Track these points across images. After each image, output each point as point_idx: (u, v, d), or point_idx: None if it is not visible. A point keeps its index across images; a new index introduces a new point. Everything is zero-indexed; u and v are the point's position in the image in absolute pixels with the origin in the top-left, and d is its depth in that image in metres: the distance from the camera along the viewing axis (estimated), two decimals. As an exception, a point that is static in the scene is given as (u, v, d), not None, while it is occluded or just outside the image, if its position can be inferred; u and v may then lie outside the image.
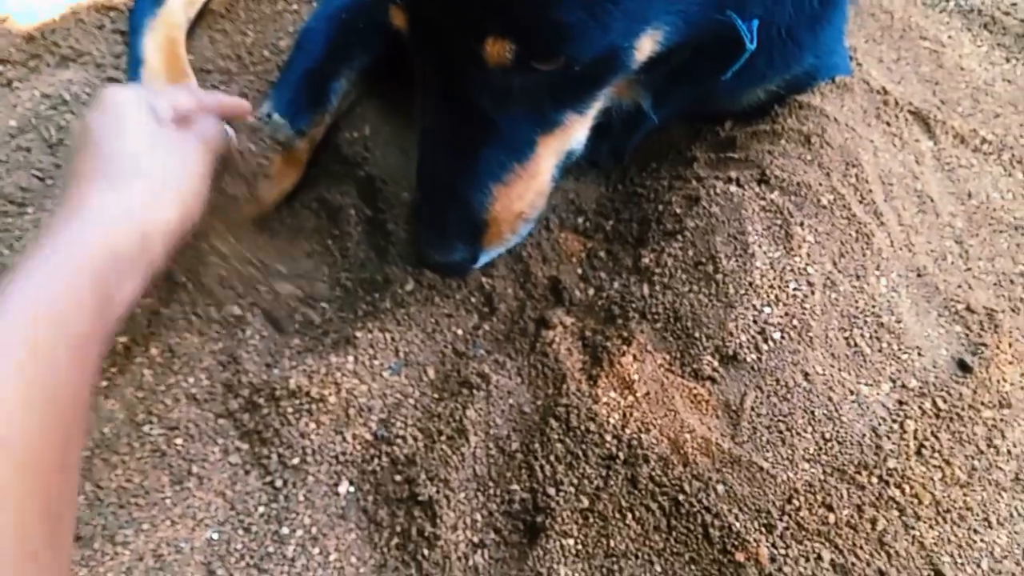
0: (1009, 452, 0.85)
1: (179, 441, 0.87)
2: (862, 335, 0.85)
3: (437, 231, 0.82)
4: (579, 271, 1.04)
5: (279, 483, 0.83)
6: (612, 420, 0.81)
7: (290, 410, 0.87)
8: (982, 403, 0.85)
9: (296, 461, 0.84)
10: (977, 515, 0.80)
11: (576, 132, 0.86)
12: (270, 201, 1.04)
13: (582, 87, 0.79)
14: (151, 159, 0.78)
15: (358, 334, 0.91)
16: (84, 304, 0.68)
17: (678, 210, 0.98)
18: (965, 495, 0.80)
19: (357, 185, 1.10)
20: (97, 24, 1.28)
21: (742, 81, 0.98)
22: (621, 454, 0.78)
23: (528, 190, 0.83)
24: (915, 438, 0.80)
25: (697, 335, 0.84)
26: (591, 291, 0.99)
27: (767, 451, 0.77)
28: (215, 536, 0.81)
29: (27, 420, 0.61)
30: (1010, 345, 0.91)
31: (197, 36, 1.30)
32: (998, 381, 0.88)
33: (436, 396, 0.88)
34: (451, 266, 0.86)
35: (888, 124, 1.06)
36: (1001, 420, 0.86)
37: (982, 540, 0.79)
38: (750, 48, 0.85)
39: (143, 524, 0.82)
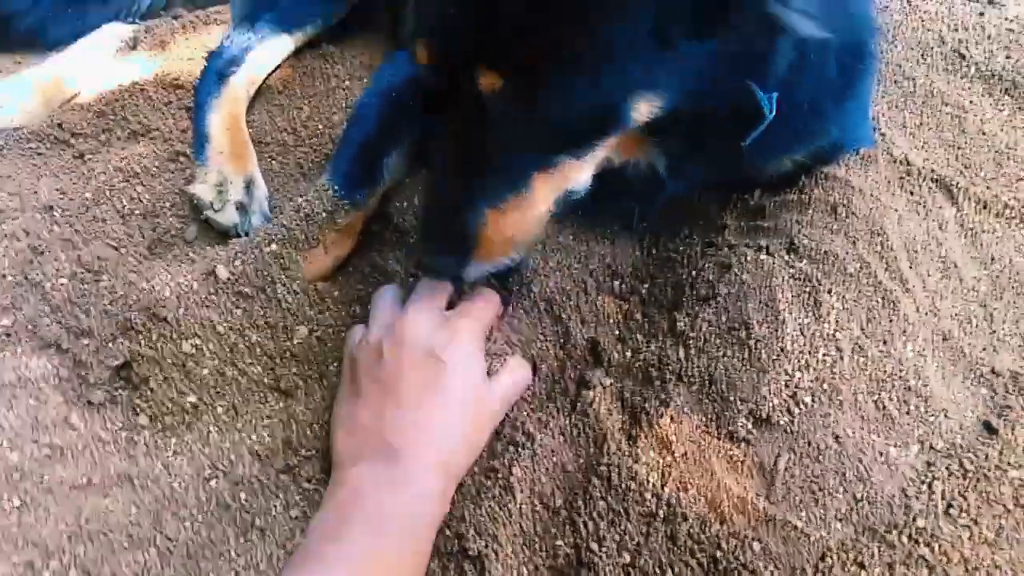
0: (1037, 511, 0.87)
1: (243, 495, 0.93)
2: (890, 398, 0.89)
3: (433, 242, 0.92)
4: (616, 333, 1.09)
5: (337, 537, 0.89)
6: (652, 479, 0.85)
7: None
8: (1008, 463, 0.88)
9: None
10: (1005, 573, 0.82)
11: (575, 175, 0.90)
12: (325, 270, 1.11)
13: (577, 135, 0.85)
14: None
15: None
16: None
17: (711, 276, 1.03)
18: (993, 554, 0.83)
19: (407, 251, 1.17)
20: (164, 101, 1.38)
21: (767, 151, 1.04)
22: (661, 512, 0.83)
23: (521, 219, 0.89)
24: (943, 498, 0.83)
25: (732, 398, 0.88)
26: (629, 353, 1.04)
27: (800, 511, 0.81)
28: (278, 587, 0.86)
29: None
30: (1036, 407, 0.94)
31: (256, 111, 1.40)
32: (1023, 442, 0.91)
33: (484, 453, 0.93)
34: (443, 271, 0.95)
35: (911, 192, 1.11)
36: (1028, 480, 0.88)
37: (1012, 599, 0.81)
38: (768, 118, 0.89)
39: (210, 574, 0.87)
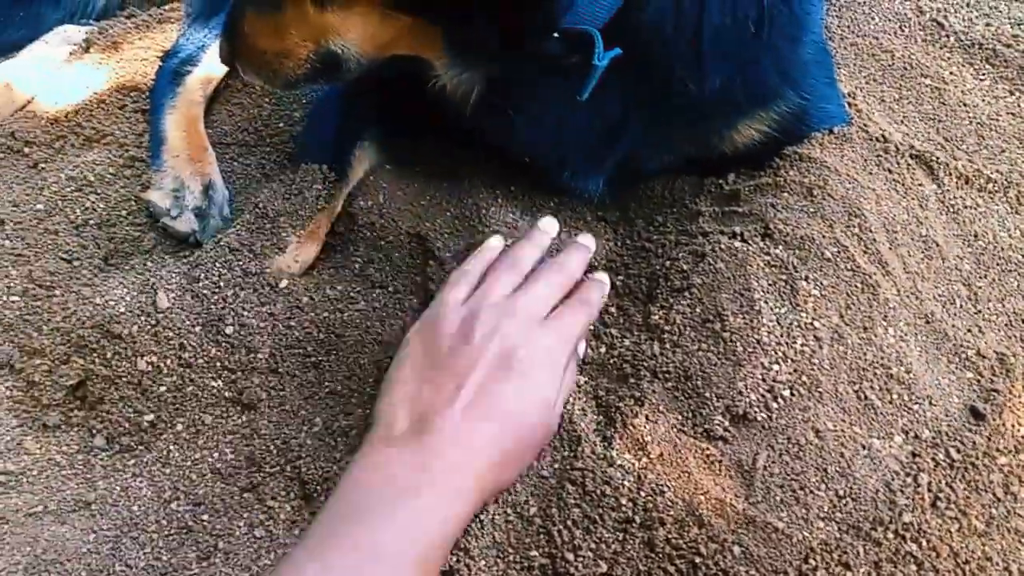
0: (1028, 498, 0.85)
1: (205, 517, 0.90)
2: (872, 387, 0.86)
3: (224, 24, 0.97)
4: (591, 328, 1.06)
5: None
6: (627, 483, 0.82)
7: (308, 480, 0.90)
8: (997, 450, 0.85)
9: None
10: (997, 564, 0.79)
11: (333, 26, 0.88)
12: (291, 274, 1.07)
13: None
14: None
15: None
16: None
17: (685, 266, 0.99)
18: (984, 545, 0.80)
19: (373, 250, 1.13)
20: (119, 104, 1.34)
21: (716, 110, 1.02)
22: (637, 517, 0.79)
23: (272, 38, 0.91)
24: (930, 490, 0.80)
25: (708, 395, 0.85)
26: (603, 349, 1.00)
27: (781, 511, 0.78)
28: (243, 611, 0.83)
29: None
30: (1024, 388, 0.91)
31: (215, 111, 1.35)
32: (1012, 426, 0.88)
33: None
34: (222, 53, 0.98)
35: (890, 171, 1.07)
36: (1018, 466, 0.85)
37: (1004, 590, 0.78)
38: (600, 65, 0.87)
39: (173, 601, 0.84)
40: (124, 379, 0.95)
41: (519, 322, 0.84)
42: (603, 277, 1.00)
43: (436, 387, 0.79)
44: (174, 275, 1.01)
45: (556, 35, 0.85)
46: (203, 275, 1.02)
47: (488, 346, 0.82)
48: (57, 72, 1.40)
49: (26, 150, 1.29)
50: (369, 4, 0.86)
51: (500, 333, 0.83)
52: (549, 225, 1.01)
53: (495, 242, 0.99)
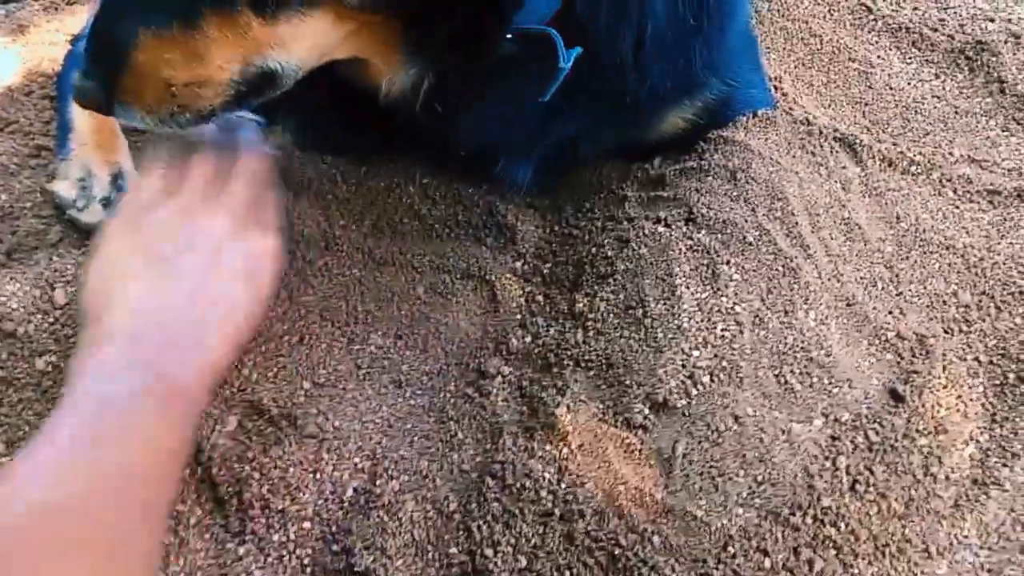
0: (947, 478, 0.85)
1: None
2: (792, 371, 0.85)
3: (88, 55, 0.79)
4: (518, 317, 1.04)
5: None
6: (547, 475, 0.80)
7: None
8: (916, 431, 0.85)
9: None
10: (917, 547, 0.80)
11: (267, 43, 0.77)
12: None
13: None
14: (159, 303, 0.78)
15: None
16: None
17: (610, 252, 0.98)
18: (904, 527, 0.80)
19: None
20: (25, 91, 1.27)
21: (648, 105, 1.00)
22: (557, 510, 0.78)
23: (185, 66, 0.75)
24: (848, 473, 0.80)
25: (628, 382, 0.84)
26: (528, 338, 0.98)
27: (700, 499, 0.77)
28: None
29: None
30: (944, 368, 0.92)
31: (127, 97, 1.29)
32: (932, 407, 0.88)
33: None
34: (86, 96, 0.79)
35: (813, 154, 1.07)
36: (937, 447, 0.86)
37: (923, 572, 0.79)
38: (564, 68, 0.85)
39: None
40: (22, 380, 0.90)
41: (234, 225, 0.84)
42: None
43: (156, 290, 0.79)
44: (72, 268, 0.95)
45: (509, 36, 0.81)
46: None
47: (211, 254, 0.81)
48: (-42, 57, 1.33)
49: (-73, 140, 1.21)
50: (332, 5, 0.77)
51: (217, 238, 0.82)
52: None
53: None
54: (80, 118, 1.19)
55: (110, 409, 0.69)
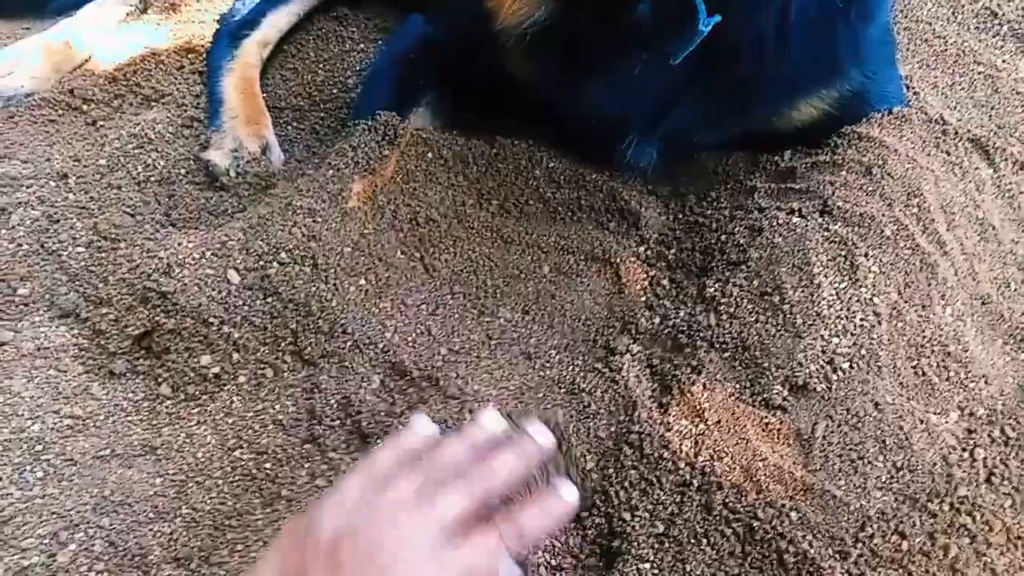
0: (1079, 479, 0.85)
1: (268, 465, 0.92)
2: (929, 364, 0.87)
3: None
4: (643, 299, 1.07)
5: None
6: (684, 448, 0.83)
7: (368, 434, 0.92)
8: (1051, 430, 0.86)
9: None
10: (1049, 542, 0.80)
11: None
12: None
13: None
14: None
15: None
16: None
17: (741, 240, 1.00)
18: (1036, 522, 0.81)
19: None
20: (177, 65, 1.35)
21: (784, 87, 1.01)
22: (695, 481, 0.81)
23: None
24: (985, 466, 0.81)
25: (766, 365, 0.86)
26: (657, 320, 1.02)
27: (839, 479, 0.79)
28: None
29: None
30: (1077, 372, 0.92)
31: (270, 75, 1.37)
32: (1066, 408, 0.88)
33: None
34: None
35: (948, 153, 1.07)
36: (1071, 447, 0.86)
37: (1054, 567, 0.79)
38: (703, 30, 0.85)
39: (237, 545, 0.86)
40: (189, 331, 0.97)
41: (415, 543, 0.63)
42: (569, 492, 0.71)
43: None
44: (238, 248, 1.01)
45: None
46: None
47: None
48: (115, 32, 1.42)
49: (84, 107, 1.30)
50: None
51: (375, 556, 0.62)
52: (490, 419, 0.75)
53: (422, 427, 0.75)
54: (230, 93, 1.27)
55: None
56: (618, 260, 1.12)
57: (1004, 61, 1.40)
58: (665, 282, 1.08)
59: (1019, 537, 0.79)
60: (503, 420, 0.75)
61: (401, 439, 0.73)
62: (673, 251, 1.11)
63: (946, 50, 1.40)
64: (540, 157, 1.20)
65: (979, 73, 1.36)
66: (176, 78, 1.33)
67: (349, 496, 0.67)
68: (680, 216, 1.16)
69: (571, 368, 1.00)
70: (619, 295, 1.09)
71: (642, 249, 1.14)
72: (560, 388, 0.98)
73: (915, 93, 1.17)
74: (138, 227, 1.10)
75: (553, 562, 0.83)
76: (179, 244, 1.01)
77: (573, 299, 1.10)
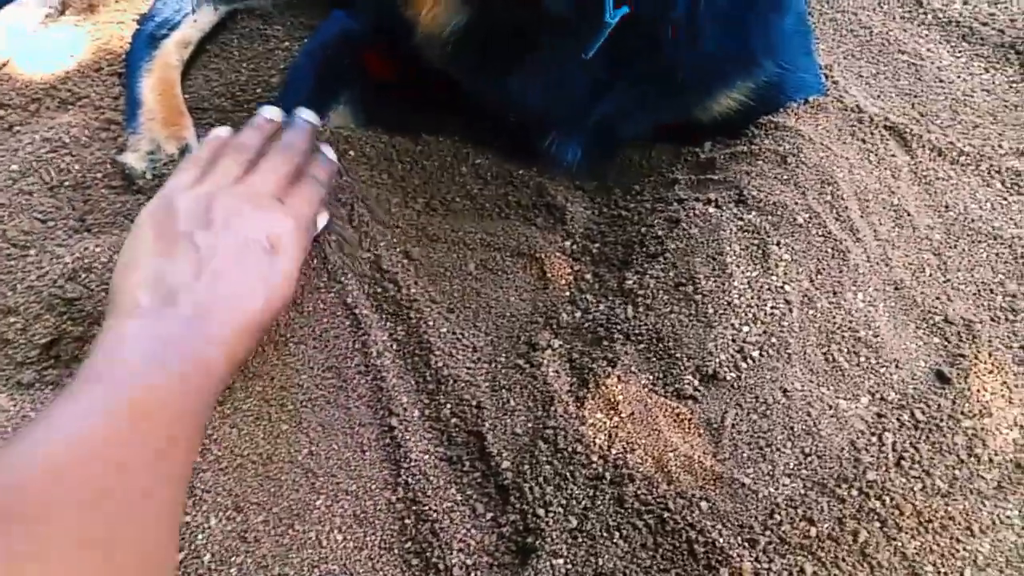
0: (991, 460, 0.86)
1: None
2: (840, 350, 0.87)
3: None
4: (567, 294, 1.07)
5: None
6: (598, 441, 0.83)
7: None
8: (961, 413, 0.86)
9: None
10: (959, 524, 0.81)
11: None
12: None
13: None
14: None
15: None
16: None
17: (660, 232, 1.00)
18: (947, 505, 0.81)
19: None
20: (94, 68, 1.33)
21: (701, 79, 1.03)
22: (607, 474, 0.81)
23: None
24: (894, 450, 0.82)
25: (678, 355, 0.86)
26: (578, 314, 1.01)
27: (748, 467, 0.79)
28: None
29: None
30: (989, 355, 0.93)
31: (192, 76, 1.35)
32: (977, 391, 0.89)
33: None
34: None
35: (864, 141, 1.08)
36: (982, 429, 0.87)
37: (965, 549, 0.80)
38: (609, 24, 0.86)
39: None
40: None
41: (254, 203, 0.86)
42: (329, 151, 1.03)
43: (178, 268, 0.79)
44: None
45: None
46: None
47: (228, 228, 0.83)
48: (32, 35, 1.39)
49: (1, 113, 1.27)
50: None
51: (237, 215, 0.84)
52: (271, 112, 1.02)
53: (222, 131, 1.00)
54: (148, 95, 1.24)
55: (134, 382, 0.70)
56: (543, 255, 1.11)
57: (928, 50, 1.42)
58: (589, 276, 1.07)
59: (930, 521, 0.80)
60: (280, 111, 1.02)
61: (210, 138, 1.00)
62: (597, 245, 1.11)
63: (871, 39, 1.41)
64: (466, 153, 1.20)
65: (903, 62, 1.38)
66: (94, 80, 1.30)
67: (186, 179, 0.90)
68: (605, 210, 1.15)
69: (493, 365, 1.00)
70: (544, 290, 1.09)
71: (568, 244, 1.13)
72: (482, 385, 0.97)
73: (834, 82, 1.18)
74: (49, 233, 1.08)
75: (469, 561, 0.82)
76: (86, 248, 0.99)
77: (499, 296, 1.09)
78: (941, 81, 1.34)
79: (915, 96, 1.30)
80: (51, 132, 1.21)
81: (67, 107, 1.27)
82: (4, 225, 1.07)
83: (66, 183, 1.15)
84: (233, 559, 0.84)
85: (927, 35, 1.46)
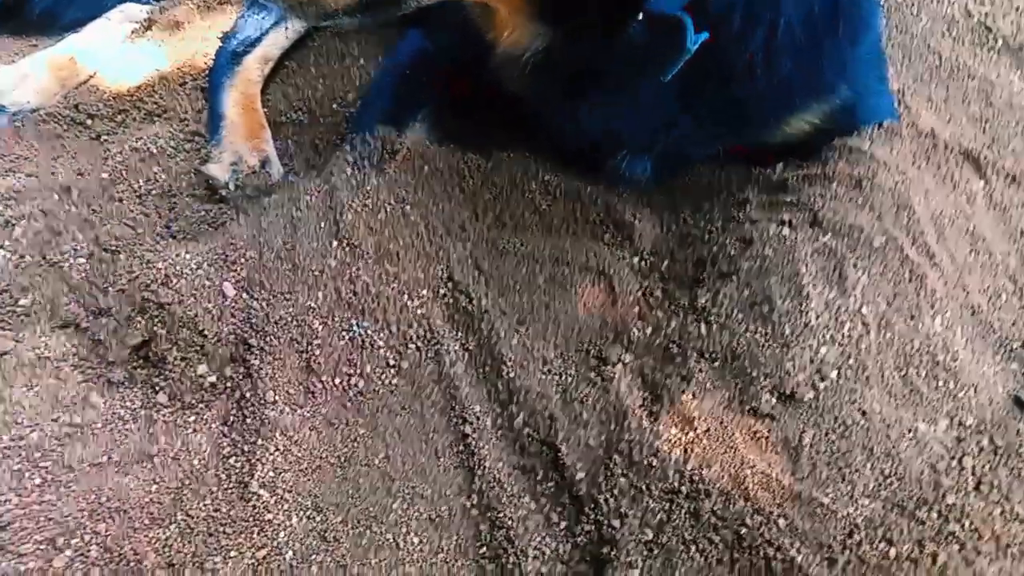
0: (1069, 488, 0.86)
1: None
2: (918, 373, 0.87)
3: None
4: (636, 310, 1.08)
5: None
6: (674, 455, 0.84)
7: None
8: (1040, 440, 0.86)
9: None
10: (1038, 551, 0.80)
11: None
12: None
13: None
14: None
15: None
16: None
17: (732, 252, 1.01)
18: (1026, 531, 0.81)
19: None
20: (179, 82, 1.38)
21: (774, 105, 1.03)
22: (684, 488, 0.82)
23: None
24: (973, 474, 0.81)
25: (755, 374, 0.87)
26: (649, 330, 1.02)
27: (827, 487, 0.80)
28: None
29: None
30: (1068, 382, 0.92)
31: (271, 91, 1.39)
32: (1056, 418, 0.89)
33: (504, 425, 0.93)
34: None
35: (938, 167, 1.08)
36: (1061, 457, 0.86)
37: (1044, 577, 0.79)
38: (689, 51, 0.87)
39: (231, 551, 0.87)
40: (186, 341, 0.98)
41: None
42: None
43: None
44: (241, 261, 1.03)
45: (640, 18, 0.86)
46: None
47: None
48: (119, 49, 1.45)
49: (89, 122, 1.33)
50: None
51: None
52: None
53: None
54: (231, 108, 1.29)
55: None
56: (612, 271, 1.13)
57: (998, 75, 1.41)
58: (658, 293, 1.08)
59: (1008, 546, 0.80)
60: None
61: None
62: (666, 263, 1.12)
63: (940, 65, 1.41)
64: (536, 170, 1.22)
65: (973, 87, 1.37)
66: (179, 94, 1.36)
67: None
68: (673, 228, 1.16)
69: (563, 378, 1.01)
70: (612, 306, 1.10)
71: (636, 260, 1.14)
72: (553, 397, 0.99)
73: (907, 108, 1.18)
74: (138, 239, 1.12)
75: (544, 569, 0.83)
76: (177, 255, 1.03)
77: (568, 309, 1.10)
78: (1012, 107, 1.34)
79: (986, 122, 1.29)
80: (139, 142, 1.26)
81: (153, 119, 1.32)
82: (96, 231, 1.12)
83: (153, 191, 1.20)
84: (314, 557, 0.87)
85: (996, 60, 1.45)
